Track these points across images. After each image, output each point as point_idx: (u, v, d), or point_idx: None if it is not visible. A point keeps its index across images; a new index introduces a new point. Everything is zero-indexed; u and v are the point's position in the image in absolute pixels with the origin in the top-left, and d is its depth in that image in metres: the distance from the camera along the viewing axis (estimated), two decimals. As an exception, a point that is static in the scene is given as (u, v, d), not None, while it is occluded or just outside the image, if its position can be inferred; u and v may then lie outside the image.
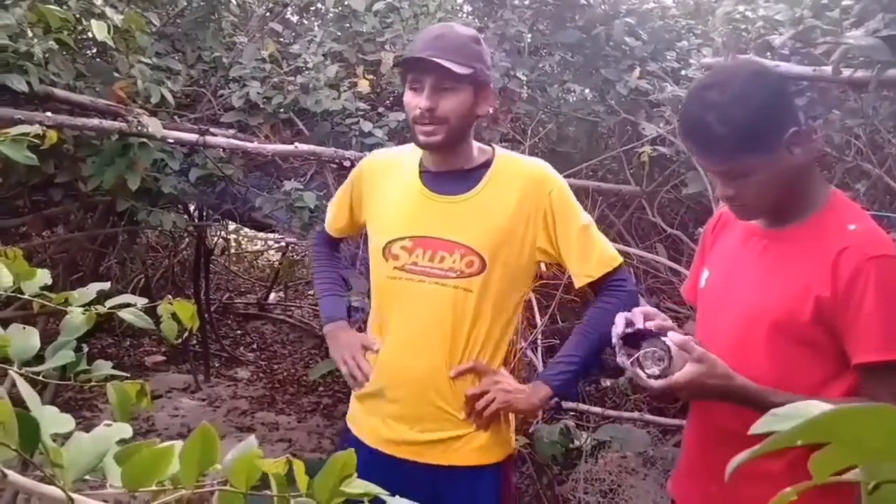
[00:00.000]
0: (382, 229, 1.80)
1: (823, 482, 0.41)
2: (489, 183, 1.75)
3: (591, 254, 1.76)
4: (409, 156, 1.83)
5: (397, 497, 0.67)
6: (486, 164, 1.77)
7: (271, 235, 6.54)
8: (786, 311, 1.35)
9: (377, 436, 1.79)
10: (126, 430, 0.75)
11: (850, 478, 0.40)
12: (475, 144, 1.80)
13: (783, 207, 1.40)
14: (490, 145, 1.84)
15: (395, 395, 1.77)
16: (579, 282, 1.77)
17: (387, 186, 1.83)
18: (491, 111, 1.78)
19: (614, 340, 1.39)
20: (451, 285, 1.70)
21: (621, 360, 1.38)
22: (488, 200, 1.73)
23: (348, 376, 1.85)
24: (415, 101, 1.68)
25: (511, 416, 1.84)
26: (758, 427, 0.48)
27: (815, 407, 0.50)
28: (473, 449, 1.76)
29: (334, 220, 2.01)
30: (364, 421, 1.84)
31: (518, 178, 1.75)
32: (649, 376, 1.33)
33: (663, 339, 1.34)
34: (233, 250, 7.55)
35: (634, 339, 1.37)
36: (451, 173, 1.77)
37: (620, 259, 1.80)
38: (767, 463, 1.30)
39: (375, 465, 1.70)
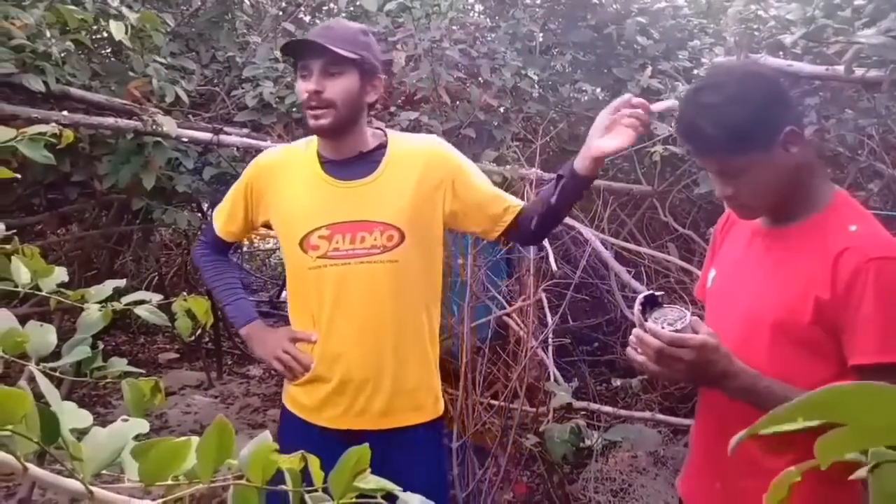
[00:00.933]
0: (294, 223, 1.84)
1: (828, 465, 0.41)
2: (389, 163, 1.83)
3: (504, 197, 1.92)
4: (303, 150, 1.89)
5: (409, 493, 0.68)
6: (382, 147, 1.86)
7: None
8: (787, 312, 1.35)
9: (321, 414, 1.87)
10: (143, 425, 0.76)
11: (852, 458, 0.41)
12: (369, 130, 1.88)
13: (784, 206, 1.41)
14: (381, 129, 1.94)
15: (350, 377, 1.83)
16: (510, 213, 1.88)
17: (287, 182, 1.87)
18: (376, 98, 1.85)
19: (638, 299, 1.41)
20: (376, 261, 1.79)
21: (637, 312, 1.39)
22: (392, 179, 1.82)
23: (286, 371, 1.88)
24: (303, 86, 1.76)
25: (435, 367, 1.94)
26: (758, 426, 0.49)
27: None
28: (411, 409, 1.87)
29: (226, 223, 1.99)
30: (306, 401, 1.89)
31: (416, 154, 1.85)
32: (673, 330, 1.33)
33: (683, 309, 1.38)
34: (245, 248, 7.59)
35: (653, 306, 1.41)
36: (350, 160, 1.83)
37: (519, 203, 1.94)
38: (772, 459, 1.31)
39: (316, 438, 1.82)
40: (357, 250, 1.79)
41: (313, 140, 1.89)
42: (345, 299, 1.81)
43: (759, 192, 1.37)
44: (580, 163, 1.74)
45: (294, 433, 1.90)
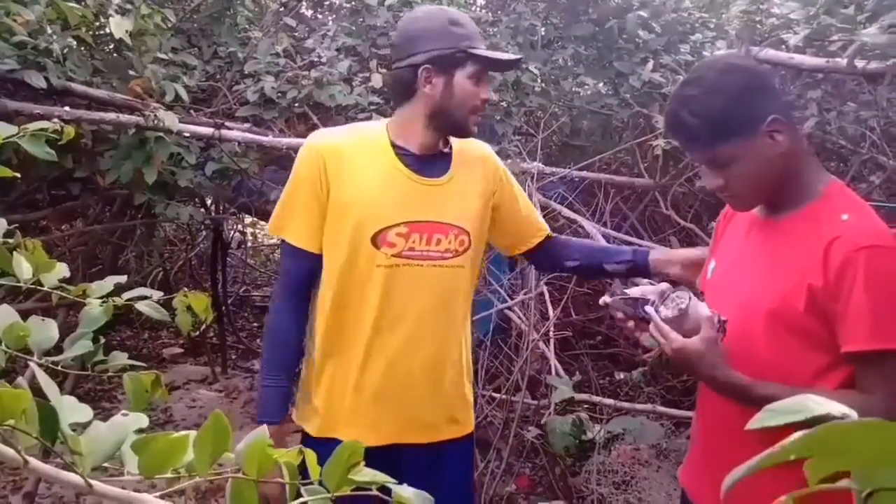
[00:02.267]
0: (369, 216, 1.68)
1: (817, 489, 0.42)
2: (457, 165, 1.79)
3: (536, 218, 1.98)
4: (372, 135, 1.75)
5: (404, 485, 0.69)
6: (449, 146, 1.82)
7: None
8: (781, 301, 1.36)
9: (389, 428, 1.74)
10: (142, 419, 0.77)
11: (844, 486, 0.41)
12: None
13: (778, 196, 1.43)
14: None
15: (408, 385, 1.73)
16: (539, 236, 1.94)
17: (356, 168, 1.70)
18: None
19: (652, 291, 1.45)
20: (448, 265, 1.74)
21: (642, 291, 1.44)
22: (462, 181, 1.79)
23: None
24: (483, 94, 1.72)
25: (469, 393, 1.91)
26: (754, 423, 0.49)
27: (810, 401, 0.51)
28: (451, 422, 1.83)
29: (314, 232, 1.72)
30: (375, 421, 1.74)
31: (475, 159, 1.84)
32: (663, 318, 1.39)
33: (691, 294, 1.41)
34: (249, 244, 7.60)
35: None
36: (428, 156, 1.75)
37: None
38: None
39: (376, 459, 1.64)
40: (432, 252, 1.71)
41: (381, 126, 1.78)
42: (415, 301, 1.71)
43: (749, 181, 1.39)
44: (661, 263, 1.84)
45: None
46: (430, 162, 1.75)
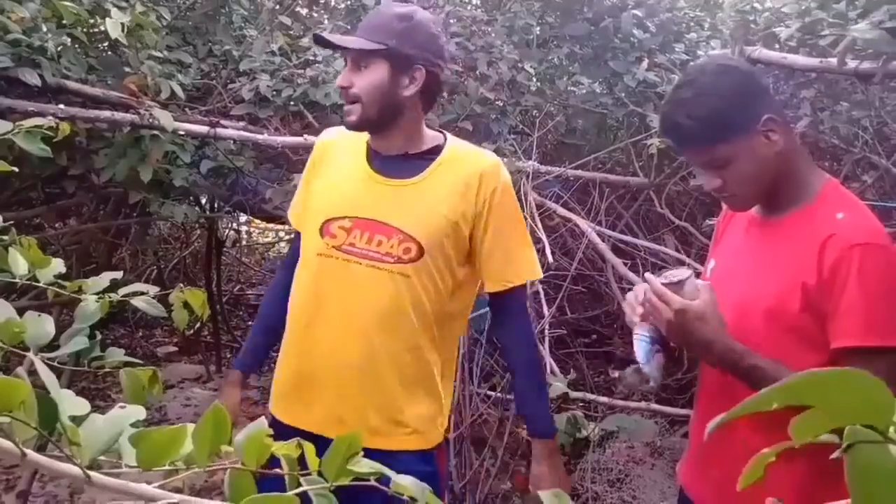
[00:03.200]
0: (322, 206, 1.74)
1: (802, 443, 0.42)
2: (436, 170, 1.71)
3: (515, 258, 1.75)
4: (360, 135, 1.76)
5: (402, 475, 0.69)
6: (436, 151, 1.73)
7: (282, 227, 6.58)
8: (777, 300, 1.37)
9: (303, 418, 1.73)
10: (140, 412, 0.78)
11: (826, 440, 0.42)
12: (427, 131, 1.77)
13: (775, 196, 1.44)
14: (443, 133, 1.81)
15: (328, 377, 1.72)
16: (493, 286, 1.74)
17: (334, 162, 1.79)
18: (417, 91, 1.67)
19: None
20: (386, 269, 1.66)
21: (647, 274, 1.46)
22: (433, 187, 1.69)
23: None
24: (338, 80, 1.71)
25: (444, 402, 1.80)
26: (736, 411, 0.50)
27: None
28: (406, 435, 1.72)
29: (299, 204, 1.88)
30: (288, 403, 1.80)
31: (467, 168, 1.71)
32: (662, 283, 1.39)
33: (687, 269, 1.43)
34: (244, 242, 7.59)
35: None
36: (398, 157, 1.72)
37: (539, 275, 1.86)
38: (765, 446, 1.33)
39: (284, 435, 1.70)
40: (371, 252, 1.67)
41: None
42: (344, 297, 1.69)
43: (746, 181, 1.40)
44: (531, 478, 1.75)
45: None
46: (397, 163, 1.72)
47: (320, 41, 1.74)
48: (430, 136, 1.77)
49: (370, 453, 1.79)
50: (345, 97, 1.68)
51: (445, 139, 1.78)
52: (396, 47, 1.63)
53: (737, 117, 1.36)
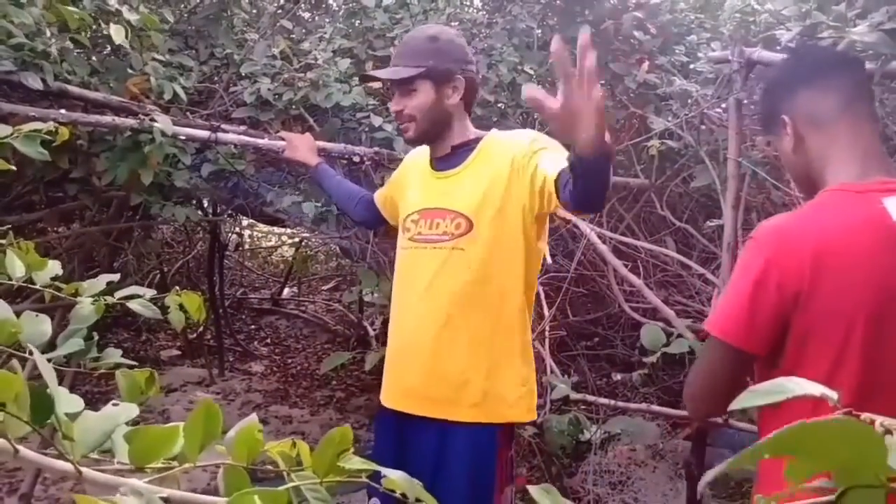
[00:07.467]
0: (404, 207, 2.05)
1: (799, 489, 0.42)
2: (476, 156, 1.92)
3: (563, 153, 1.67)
4: (425, 149, 2.07)
5: (394, 471, 0.69)
6: (476, 141, 1.95)
7: (285, 231, 6.58)
8: None
9: (393, 393, 1.99)
10: (133, 409, 0.78)
11: (818, 485, 0.42)
12: (472, 130, 1.98)
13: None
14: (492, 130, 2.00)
15: (407, 353, 1.95)
16: (554, 175, 1.68)
17: (413, 174, 2.09)
18: (460, 96, 1.91)
19: None
20: (446, 247, 1.89)
21: None
22: (474, 170, 1.90)
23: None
24: (391, 105, 1.97)
25: (517, 380, 1.90)
26: (736, 404, 0.50)
27: (793, 384, 0.51)
28: (471, 406, 1.86)
29: (384, 189, 2.28)
30: (386, 386, 2.04)
31: (505, 147, 1.87)
32: None
33: None
34: (247, 246, 7.61)
35: None
36: (449, 155, 1.97)
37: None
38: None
39: (390, 421, 1.96)
40: (432, 235, 1.92)
41: None
42: (417, 281, 1.93)
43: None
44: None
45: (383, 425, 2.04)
46: (446, 159, 1.97)
47: (366, 79, 2.04)
48: (475, 133, 1.98)
49: (429, 424, 1.93)
50: (398, 119, 1.96)
51: (491, 133, 1.97)
52: (435, 66, 1.87)
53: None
